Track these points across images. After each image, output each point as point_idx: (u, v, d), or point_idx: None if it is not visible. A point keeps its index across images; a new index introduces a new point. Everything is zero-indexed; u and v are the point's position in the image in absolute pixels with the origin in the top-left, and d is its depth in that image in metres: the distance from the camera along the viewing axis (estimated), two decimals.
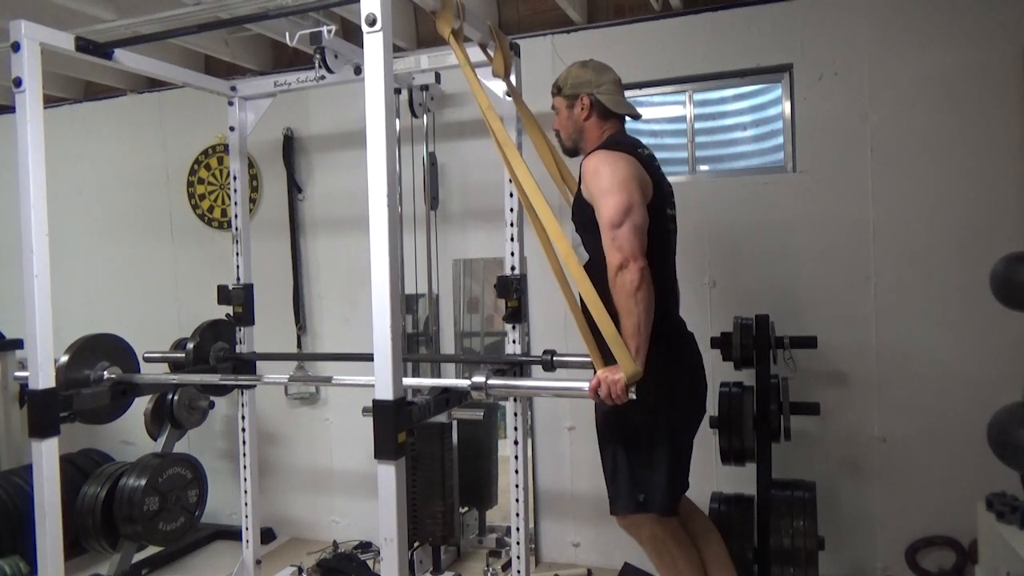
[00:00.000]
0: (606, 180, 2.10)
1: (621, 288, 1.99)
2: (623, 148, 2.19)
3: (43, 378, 2.38)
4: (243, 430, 3.27)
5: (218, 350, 3.19)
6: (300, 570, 3.50)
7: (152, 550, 3.71)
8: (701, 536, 2.43)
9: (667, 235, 2.29)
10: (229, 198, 3.65)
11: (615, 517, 2.33)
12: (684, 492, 2.35)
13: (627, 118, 2.39)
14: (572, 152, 2.43)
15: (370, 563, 3.62)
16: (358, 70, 2.73)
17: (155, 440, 3.74)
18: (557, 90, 2.37)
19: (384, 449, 1.81)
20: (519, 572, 2.79)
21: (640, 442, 2.21)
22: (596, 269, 2.09)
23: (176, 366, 3.26)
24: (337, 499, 4.03)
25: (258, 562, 3.31)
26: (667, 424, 2.20)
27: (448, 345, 3.78)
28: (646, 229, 2.08)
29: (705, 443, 2.66)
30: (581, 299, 2.09)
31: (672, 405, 2.21)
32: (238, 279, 3.25)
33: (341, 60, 2.67)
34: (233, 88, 3.21)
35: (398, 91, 3.41)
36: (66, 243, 4.26)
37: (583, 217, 2.21)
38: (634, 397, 1.96)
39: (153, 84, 4.35)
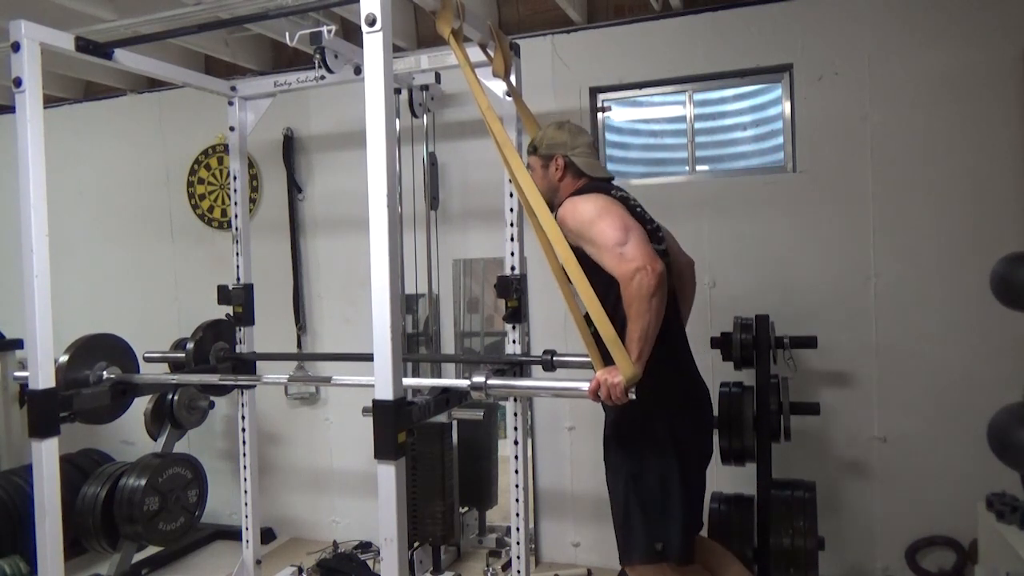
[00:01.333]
0: (590, 212, 2.09)
1: (637, 291, 1.94)
2: (595, 190, 2.20)
3: (43, 378, 2.38)
4: (243, 430, 3.27)
5: (218, 350, 3.18)
6: (300, 570, 3.50)
7: (152, 550, 3.71)
8: (721, 567, 2.38)
9: None
10: (229, 198, 3.65)
11: (626, 567, 2.25)
12: (698, 532, 2.31)
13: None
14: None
15: (370, 563, 3.62)
16: (358, 70, 2.73)
17: (155, 440, 3.74)
18: (533, 149, 2.37)
19: (384, 449, 1.81)
20: (519, 572, 2.79)
21: (652, 489, 2.16)
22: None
23: (176, 366, 3.26)
24: (337, 499, 4.03)
25: (258, 562, 3.31)
26: (679, 468, 2.15)
27: (448, 345, 3.78)
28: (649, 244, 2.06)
29: None
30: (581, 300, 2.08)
31: (683, 448, 2.16)
32: (238, 279, 3.25)
33: (341, 60, 2.67)
34: (233, 88, 3.21)
35: (398, 91, 3.41)
36: (66, 243, 4.25)
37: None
38: (634, 398, 1.96)
39: (153, 84, 4.35)
